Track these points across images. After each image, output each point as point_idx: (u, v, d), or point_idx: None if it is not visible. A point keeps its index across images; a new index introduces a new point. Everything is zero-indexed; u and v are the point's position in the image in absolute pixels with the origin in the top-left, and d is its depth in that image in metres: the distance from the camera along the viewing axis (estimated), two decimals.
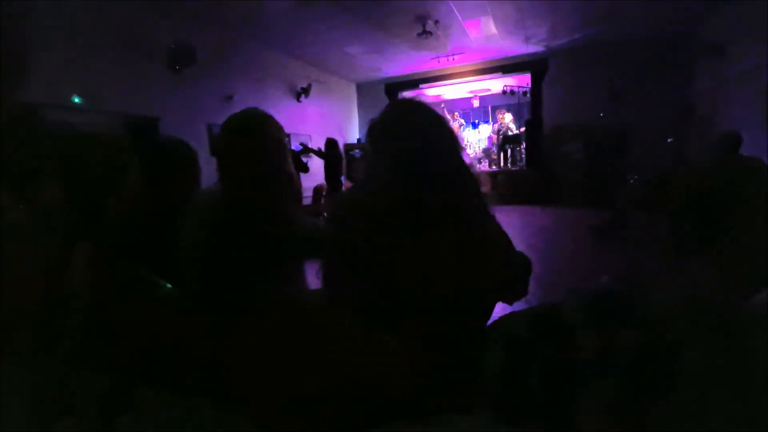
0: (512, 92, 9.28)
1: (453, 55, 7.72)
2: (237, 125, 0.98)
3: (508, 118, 9.76)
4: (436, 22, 5.96)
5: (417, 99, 0.98)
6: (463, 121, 10.80)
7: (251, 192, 0.89)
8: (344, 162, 5.98)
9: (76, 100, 3.97)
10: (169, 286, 0.74)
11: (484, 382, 0.61)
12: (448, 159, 0.88)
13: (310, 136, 7.40)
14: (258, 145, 0.95)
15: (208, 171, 1.60)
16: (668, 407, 0.44)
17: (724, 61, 5.68)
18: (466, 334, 0.78)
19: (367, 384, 0.58)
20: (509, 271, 0.87)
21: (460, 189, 0.86)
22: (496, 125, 10.05)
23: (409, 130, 0.88)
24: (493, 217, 0.93)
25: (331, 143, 5.81)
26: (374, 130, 0.93)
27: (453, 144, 0.92)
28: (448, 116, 10.51)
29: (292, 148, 5.45)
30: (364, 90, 9.79)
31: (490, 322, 0.84)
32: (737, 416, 0.39)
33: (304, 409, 0.56)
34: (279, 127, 1.03)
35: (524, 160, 8.91)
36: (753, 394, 0.39)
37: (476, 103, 11.50)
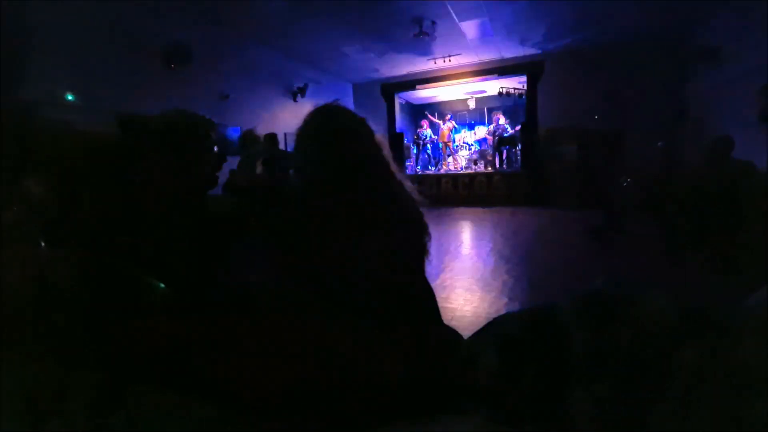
0: (508, 94, 9.35)
1: (449, 56, 7.75)
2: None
3: (502, 119, 9.83)
4: (433, 23, 5.98)
5: (338, 103, 1.04)
6: (455, 124, 10.84)
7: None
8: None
9: (70, 97, 3.94)
10: (162, 285, 0.74)
11: (479, 382, 0.61)
12: (358, 153, 0.94)
13: None
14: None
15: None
16: (663, 407, 0.44)
17: (716, 65, 5.75)
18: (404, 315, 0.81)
19: (357, 382, 0.58)
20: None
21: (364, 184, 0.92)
22: (491, 126, 10.11)
23: (325, 136, 0.95)
24: (413, 226, 0.96)
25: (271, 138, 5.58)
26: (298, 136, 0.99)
27: (361, 143, 0.97)
28: (438, 120, 10.62)
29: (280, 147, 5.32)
30: (360, 90, 9.80)
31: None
32: (731, 416, 0.39)
33: (298, 407, 0.55)
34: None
35: (519, 161, 8.97)
36: (746, 394, 0.39)
37: (472, 105, 11.57)
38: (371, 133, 1.01)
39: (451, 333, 0.93)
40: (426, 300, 1.02)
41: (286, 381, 0.56)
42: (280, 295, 0.76)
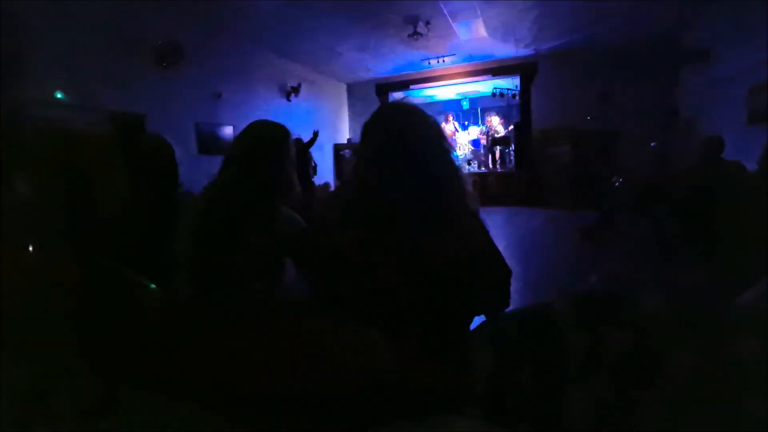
0: (502, 94, 9.38)
1: (443, 56, 7.77)
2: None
3: (495, 120, 9.87)
4: (427, 23, 5.99)
5: (408, 101, 0.98)
6: (456, 123, 10.84)
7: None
8: (313, 162, 5.76)
9: (59, 96, 3.88)
10: (153, 286, 0.73)
11: (474, 382, 0.61)
12: (435, 162, 0.88)
13: (300, 135, 7.36)
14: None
15: (199, 170, 1.58)
16: (656, 407, 0.44)
17: (708, 66, 5.83)
18: (446, 338, 0.78)
19: (356, 381, 0.57)
20: (490, 278, 0.88)
21: (446, 192, 0.86)
22: (485, 127, 10.14)
23: (399, 131, 0.88)
24: (479, 221, 0.93)
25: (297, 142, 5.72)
26: (366, 130, 0.93)
27: (442, 147, 0.91)
28: (441, 119, 10.59)
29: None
30: (354, 90, 9.77)
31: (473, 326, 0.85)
32: (724, 416, 0.39)
33: (294, 411, 0.55)
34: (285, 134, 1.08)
35: (513, 161, 9.01)
36: (739, 394, 0.39)
37: (466, 105, 11.60)
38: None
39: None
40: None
41: (282, 382, 0.55)
42: (279, 298, 0.76)
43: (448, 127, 10.51)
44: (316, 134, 4.48)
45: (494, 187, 8.64)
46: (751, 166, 3.12)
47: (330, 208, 0.96)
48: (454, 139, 10.50)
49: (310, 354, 0.56)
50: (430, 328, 0.76)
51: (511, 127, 9.12)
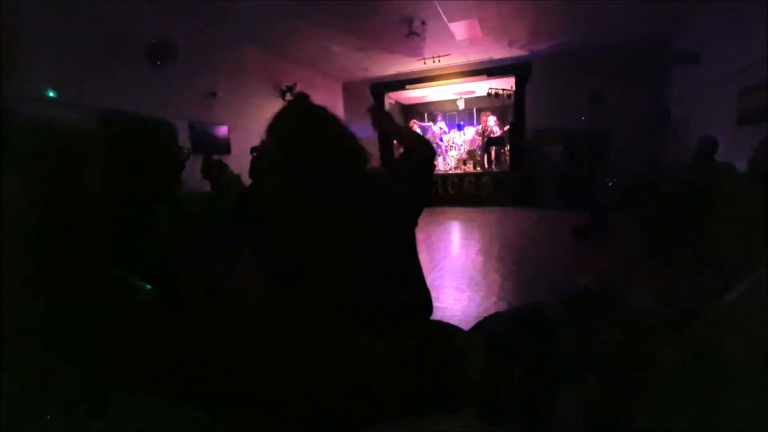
0: (497, 95, 9.42)
1: (438, 56, 7.78)
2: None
3: (492, 120, 9.90)
4: (423, 23, 6.00)
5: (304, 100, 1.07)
6: (444, 126, 10.85)
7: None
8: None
9: (51, 93, 3.83)
10: (147, 286, 0.72)
11: (467, 381, 0.62)
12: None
13: None
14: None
15: (195, 168, 1.57)
16: (648, 406, 0.45)
17: (699, 67, 5.90)
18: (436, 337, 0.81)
19: (346, 380, 0.58)
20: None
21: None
22: (480, 127, 10.18)
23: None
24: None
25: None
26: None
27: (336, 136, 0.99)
28: (428, 123, 10.66)
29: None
30: (349, 89, 9.76)
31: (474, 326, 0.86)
32: (714, 415, 0.40)
33: (286, 409, 0.55)
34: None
35: (508, 161, 9.05)
36: (729, 392, 0.40)
37: (461, 105, 11.63)
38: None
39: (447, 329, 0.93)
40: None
41: (276, 382, 0.55)
42: (271, 295, 0.75)
43: (437, 127, 10.55)
44: None
45: (489, 187, 8.68)
46: (741, 166, 3.16)
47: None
48: (442, 139, 10.54)
49: (300, 352, 0.56)
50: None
51: (507, 127, 9.16)
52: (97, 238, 0.67)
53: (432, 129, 10.54)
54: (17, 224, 0.61)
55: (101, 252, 0.68)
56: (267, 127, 1.00)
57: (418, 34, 6.16)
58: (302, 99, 1.06)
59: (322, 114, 1.02)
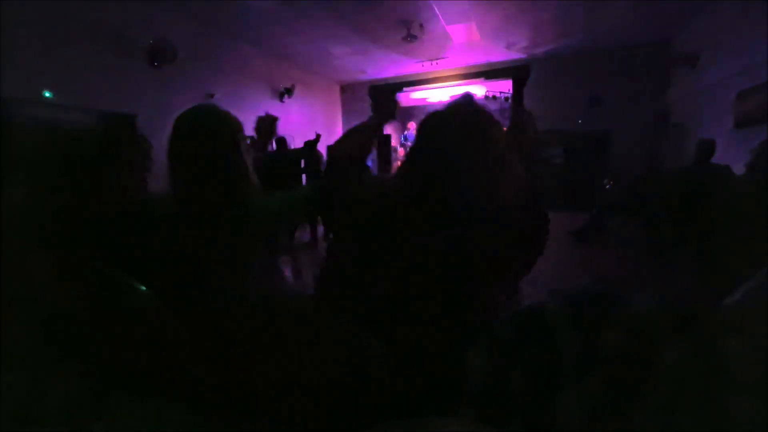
0: (494, 97, 9.45)
1: (436, 59, 7.80)
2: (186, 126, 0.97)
3: None
4: (421, 25, 6.02)
5: (476, 102, 0.97)
6: None
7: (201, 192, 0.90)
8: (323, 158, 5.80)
9: (47, 94, 3.83)
10: (143, 288, 0.72)
11: (468, 383, 0.61)
12: (485, 168, 0.87)
13: (293, 136, 7.34)
14: (208, 146, 0.94)
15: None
16: (648, 407, 0.45)
17: (697, 70, 5.93)
18: (444, 336, 0.79)
19: (345, 381, 0.57)
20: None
21: (491, 194, 0.86)
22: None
23: (460, 131, 0.88)
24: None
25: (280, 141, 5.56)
26: (427, 123, 0.93)
27: (495, 153, 0.90)
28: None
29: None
30: (348, 91, 9.77)
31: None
32: (716, 416, 0.40)
33: (285, 411, 0.55)
34: (233, 125, 1.02)
35: None
36: (731, 394, 0.40)
37: None
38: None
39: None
40: None
41: (272, 383, 0.55)
42: (273, 298, 0.75)
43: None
44: (318, 136, 4.59)
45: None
46: (738, 169, 3.17)
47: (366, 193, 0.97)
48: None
49: (300, 352, 0.56)
50: (447, 327, 0.77)
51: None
52: (95, 238, 0.66)
53: None
54: (16, 225, 0.61)
55: (100, 252, 0.67)
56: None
57: (416, 37, 6.18)
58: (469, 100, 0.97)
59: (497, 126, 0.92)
